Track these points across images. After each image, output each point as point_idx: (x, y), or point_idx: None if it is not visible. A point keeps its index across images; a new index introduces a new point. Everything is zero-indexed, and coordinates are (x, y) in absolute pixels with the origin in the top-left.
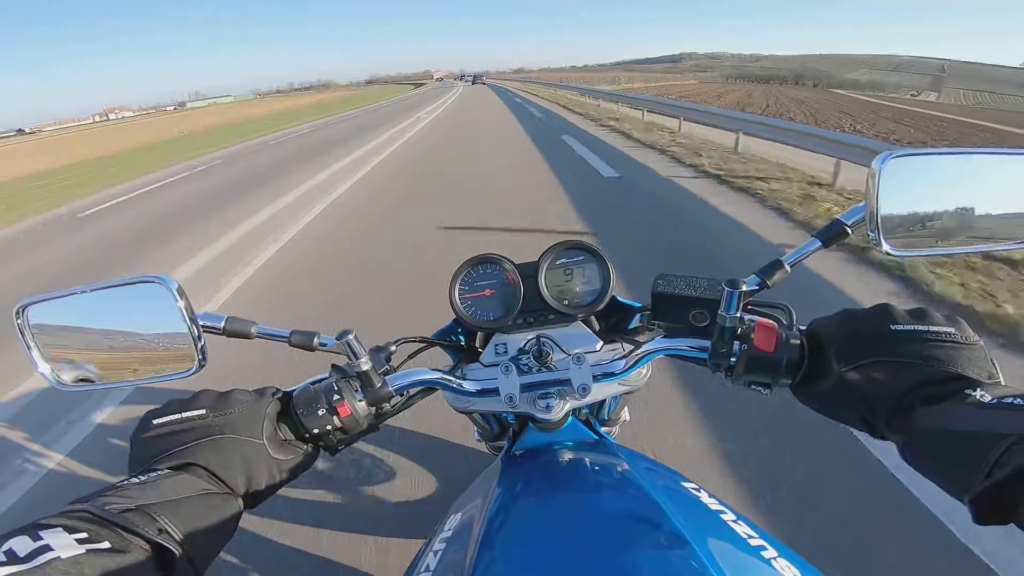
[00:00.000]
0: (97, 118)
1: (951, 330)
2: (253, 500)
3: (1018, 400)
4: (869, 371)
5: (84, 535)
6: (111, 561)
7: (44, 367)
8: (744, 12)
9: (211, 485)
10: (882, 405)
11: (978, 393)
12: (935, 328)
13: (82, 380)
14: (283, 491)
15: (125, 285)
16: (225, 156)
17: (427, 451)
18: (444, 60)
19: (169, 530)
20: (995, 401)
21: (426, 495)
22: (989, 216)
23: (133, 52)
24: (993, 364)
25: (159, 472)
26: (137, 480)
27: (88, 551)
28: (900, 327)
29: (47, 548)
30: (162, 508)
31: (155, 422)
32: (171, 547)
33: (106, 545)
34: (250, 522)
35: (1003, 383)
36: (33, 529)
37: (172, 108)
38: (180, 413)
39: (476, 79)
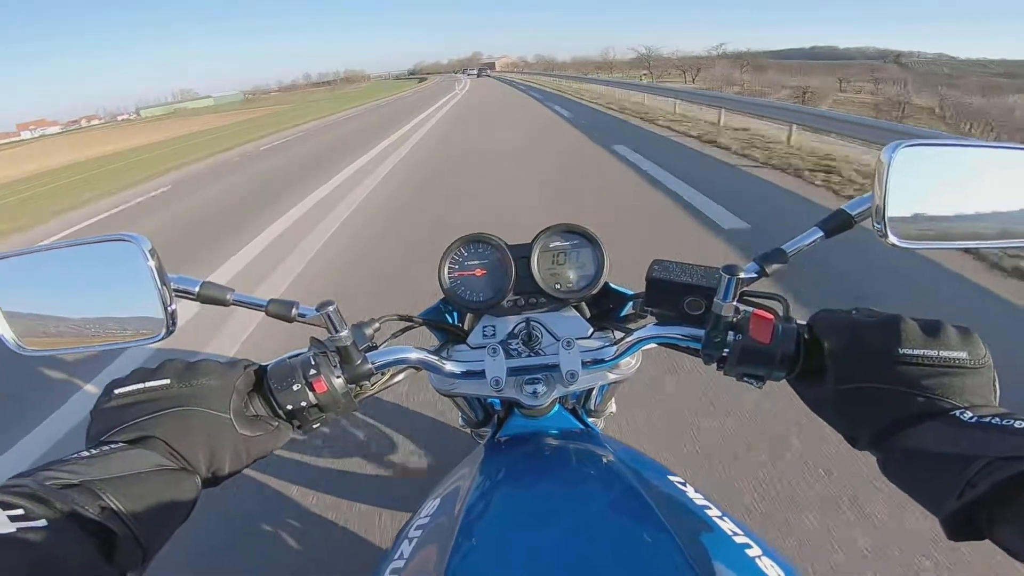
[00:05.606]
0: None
1: (962, 355)
2: (215, 478)
3: (996, 420)
4: (866, 395)
5: (20, 512)
6: (45, 541)
7: (4, 329)
8: None
9: (168, 461)
10: (870, 426)
11: (959, 413)
12: (944, 353)
13: (46, 343)
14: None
15: (95, 243)
16: None
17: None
18: (503, 45)
19: (114, 508)
20: (974, 420)
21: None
22: (999, 211)
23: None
24: (994, 387)
25: (112, 445)
26: (88, 453)
27: (19, 529)
28: (908, 351)
29: None
30: (108, 484)
31: (116, 392)
32: (114, 527)
33: (42, 523)
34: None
35: (995, 404)
36: None
37: (122, 117)
38: (143, 383)
39: (481, 72)
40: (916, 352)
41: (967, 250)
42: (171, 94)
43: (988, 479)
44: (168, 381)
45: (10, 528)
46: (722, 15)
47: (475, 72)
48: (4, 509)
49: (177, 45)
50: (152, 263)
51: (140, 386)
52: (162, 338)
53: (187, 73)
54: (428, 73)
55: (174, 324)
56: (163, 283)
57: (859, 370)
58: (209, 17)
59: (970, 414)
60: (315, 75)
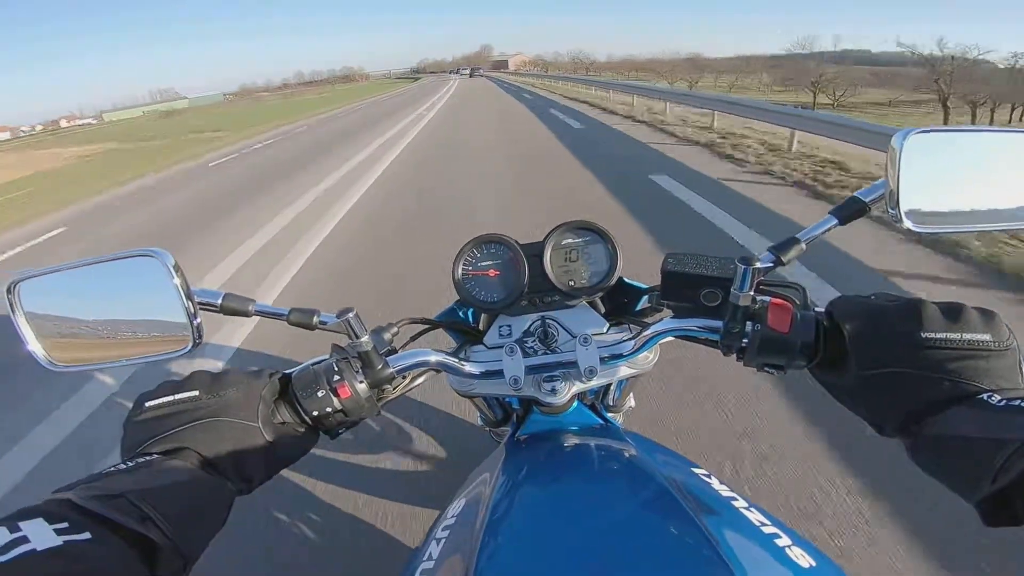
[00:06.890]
0: None
1: (985, 337)
2: (247, 486)
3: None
4: (889, 380)
5: (65, 525)
6: (91, 553)
7: (36, 346)
8: None
9: (201, 470)
10: (896, 413)
11: (986, 396)
12: (968, 336)
13: (75, 359)
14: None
15: (121, 259)
16: None
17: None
18: (517, 40)
19: (154, 519)
20: (1003, 403)
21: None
22: (1010, 193)
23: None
24: (1020, 369)
25: (148, 457)
26: (124, 466)
27: (66, 543)
28: (931, 335)
29: (23, 540)
30: (147, 495)
31: (147, 404)
32: (155, 537)
33: (87, 536)
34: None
35: (1022, 387)
36: (13, 519)
37: (79, 122)
38: (172, 395)
39: (474, 72)
40: (939, 335)
41: (980, 232)
42: (148, 94)
43: (1020, 463)
44: (196, 393)
45: (57, 541)
46: (720, 16)
47: (467, 72)
48: (50, 523)
49: (170, 44)
50: (177, 278)
51: (170, 399)
52: (189, 351)
53: (183, 71)
54: (431, 72)
55: (200, 337)
56: (188, 297)
57: (881, 355)
58: (202, 16)
59: (998, 397)
60: (308, 73)
